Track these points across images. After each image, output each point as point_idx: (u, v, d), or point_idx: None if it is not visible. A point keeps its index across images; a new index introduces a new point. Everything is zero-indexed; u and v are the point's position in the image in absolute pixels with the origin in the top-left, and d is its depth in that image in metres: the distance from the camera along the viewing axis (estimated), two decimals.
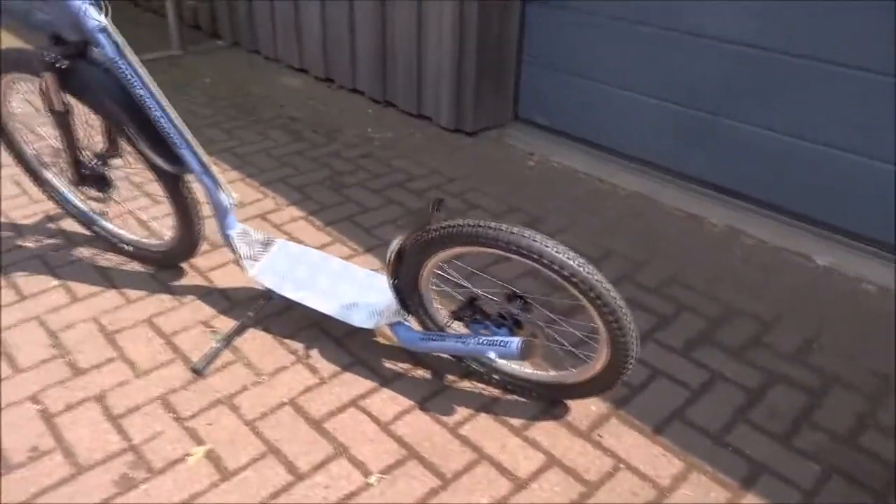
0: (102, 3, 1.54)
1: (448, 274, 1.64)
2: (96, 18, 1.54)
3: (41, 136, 2.26)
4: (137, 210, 2.41)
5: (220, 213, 1.80)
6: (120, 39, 1.57)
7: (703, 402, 1.72)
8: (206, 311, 1.98)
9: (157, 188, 2.43)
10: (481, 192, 2.66)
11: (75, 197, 2.19)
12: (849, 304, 2.09)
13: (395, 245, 1.54)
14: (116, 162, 2.00)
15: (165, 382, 1.73)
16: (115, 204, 2.18)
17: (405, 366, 1.80)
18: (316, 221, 2.44)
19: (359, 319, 1.73)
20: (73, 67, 1.64)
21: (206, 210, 1.93)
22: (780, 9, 2.25)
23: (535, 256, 1.35)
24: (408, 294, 1.63)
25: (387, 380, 1.76)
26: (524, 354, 1.47)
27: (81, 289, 2.05)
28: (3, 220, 2.38)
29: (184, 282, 2.09)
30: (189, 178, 1.85)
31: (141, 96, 1.60)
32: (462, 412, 1.67)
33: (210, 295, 2.04)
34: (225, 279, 2.11)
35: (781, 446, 1.60)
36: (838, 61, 2.18)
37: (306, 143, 3.02)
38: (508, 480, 1.50)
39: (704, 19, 2.43)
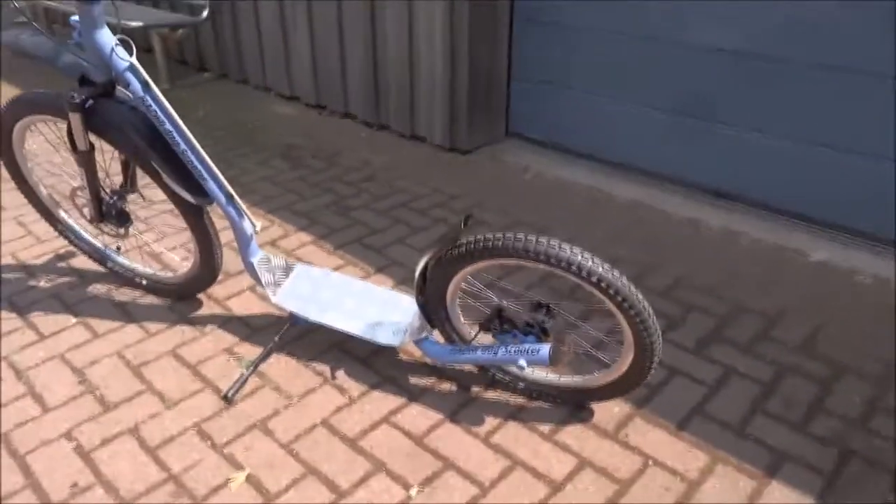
0: (130, 43, 1.59)
1: (473, 287, 1.70)
2: (125, 58, 1.59)
3: (57, 176, 2.29)
4: (153, 243, 2.44)
5: (243, 242, 1.85)
6: (147, 77, 1.62)
7: (720, 397, 1.79)
8: (228, 339, 2.01)
9: (169, 220, 2.50)
10: (484, 208, 2.73)
11: (89, 234, 2.22)
12: (847, 296, 2.18)
13: (422, 263, 1.59)
14: (131, 197, 2.04)
15: (197, 411, 1.76)
16: (133, 238, 2.20)
17: (430, 380, 1.85)
18: (326, 245, 2.49)
19: (385, 338, 1.78)
20: (98, 107, 1.69)
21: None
22: (766, 16, 2.36)
23: (563, 265, 1.41)
24: (434, 309, 1.69)
25: (414, 395, 1.80)
26: (554, 360, 1.52)
27: (101, 325, 2.07)
28: (12, 261, 2.39)
29: (202, 312, 2.12)
30: (209, 208, 1.90)
31: (168, 131, 1.65)
32: (491, 421, 1.72)
33: (230, 323, 2.07)
34: (242, 307, 2.14)
35: (799, 434, 1.67)
36: (825, 64, 2.29)
37: (307, 170, 3.07)
38: (545, 484, 1.55)
39: (692, 30, 2.54)
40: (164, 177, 1.72)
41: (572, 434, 1.68)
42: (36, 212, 2.27)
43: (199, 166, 1.70)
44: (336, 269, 2.34)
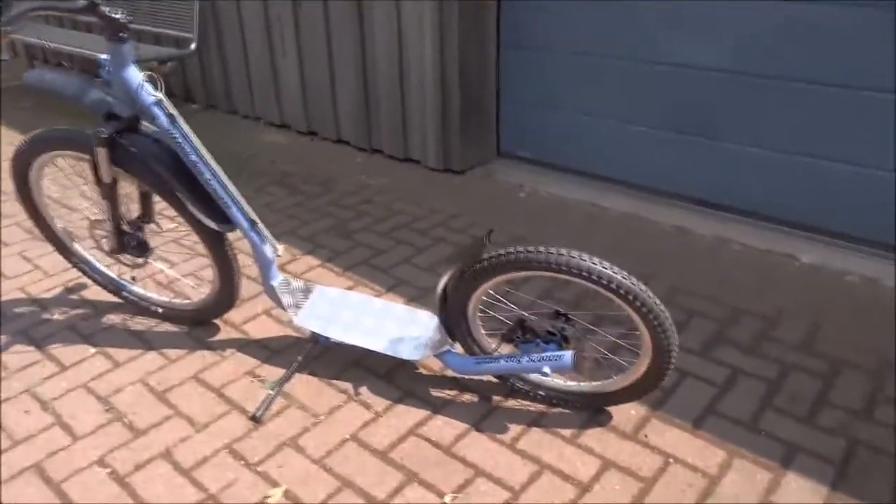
0: (157, 79, 1.65)
1: (496, 299, 1.77)
2: (153, 94, 1.65)
3: (74, 210, 2.31)
4: (167, 270, 2.47)
5: (264, 266, 1.90)
6: (174, 111, 1.68)
7: (730, 396, 1.88)
8: (249, 361, 2.04)
9: (180, 248, 2.53)
10: (483, 226, 2.81)
11: (103, 265, 2.25)
12: (838, 296, 2.30)
13: (445, 279, 1.66)
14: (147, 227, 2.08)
15: (227, 433, 1.79)
16: (146, 267, 2.24)
17: (452, 392, 1.91)
18: (334, 268, 2.54)
19: (407, 352, 1.84)
20: (123, 141, 1.74)
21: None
22: (750, 35, 2.50)
23: (584, 274, 1.49)
24: (455, 322, 1.75)
25: (438, 407, 1.86)
26: (577, 366, 1.59)
27: (121, 353, 2.09)
28: (23, 295, 2.40)
29: (221, 337, 2.16)
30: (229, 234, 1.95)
31: (193, 161, 1.70)
32: (515, 429, 1.78)
33: (249, 346, 2.11)
34: (260, 330, 2.18)
35: (808, 427, 1.76)
36: (817, 79, 2.44)
37: (304, 195, 3.13)
38: (573, 486, 1.61)
39: (679, 50, 2.67)
40: (189, 206, 1.77)
41: (594, 437, 1.75)
42: (50, 245, 2.28)
43: (224, 194, 1.76)
44: (347, 290, 2.39)
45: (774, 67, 2.48)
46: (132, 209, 2.03)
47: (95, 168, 1.78)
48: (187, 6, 3.77)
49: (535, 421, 1.81)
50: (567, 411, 1.83)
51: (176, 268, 2.50)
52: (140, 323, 2.23)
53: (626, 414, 1.82)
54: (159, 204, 2.03)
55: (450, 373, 1.96)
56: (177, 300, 2.23)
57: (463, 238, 2.73)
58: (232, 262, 1.94)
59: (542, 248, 1.53)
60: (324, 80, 3.60)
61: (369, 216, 2.93)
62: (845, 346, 2.04)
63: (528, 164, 3.31)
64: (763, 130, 2.59)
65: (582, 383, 1.80)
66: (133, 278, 2.24)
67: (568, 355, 1.60)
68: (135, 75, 1.64)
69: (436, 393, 1.91)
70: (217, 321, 2.22)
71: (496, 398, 1.88)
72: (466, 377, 1.93)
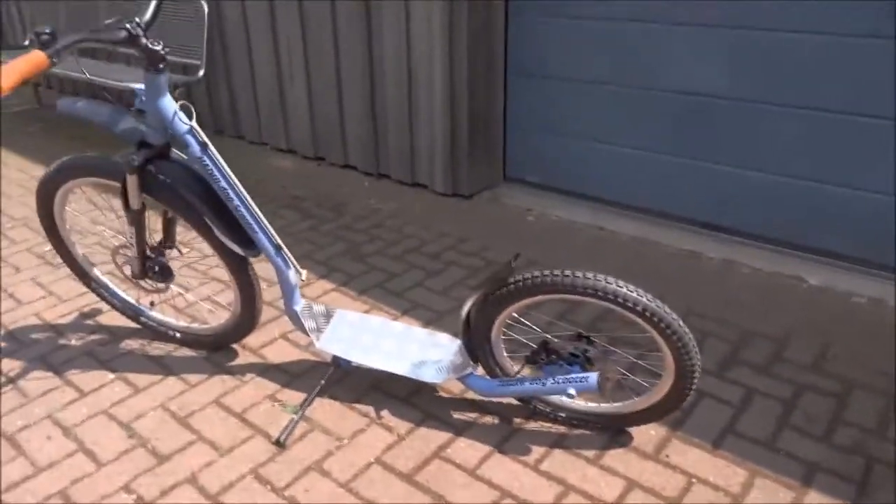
0: (190, 108, 1.68)
1: (516, 322, 1.80)
2: (186, 122, 1.68)
3: (95, 236, 2.33)
4: (189, 296, 2.48)
5: (288, 291, 1.92)
6: (205, 138, 1.72)
7: (747, 416, 1.90)
8: (270, 386, 2.06)
9: (195, 273, 2.55)
10: (494, 250, 2.85)
11: (123, 291, 2.26)
12: (846, 317, 2.34)
13: (470, 302, 1.69)
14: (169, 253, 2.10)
15: (251, 458, 1.80)
16: (169, 292, 2.25)
17: (473, 415, 1.93)
18: (349, 291, 2.56)
19: (430, 375, 1.86)
20: (154, 168, 1.77)
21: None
22: (755, 62, 2.57)
23: (610, 297, 1.53)
24: (478, 345, 1.78)
25: (460, 430, 1.88)
26: (602, 387, 1.62)
27: (140, 379, 2.10)
28: (38, 321, 2.41)
29: (240, 361, 2.17)
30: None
31: (223, 188, 1.73)
32: (538, 450, 1.80)
33: (268, 371, 2.12)
34: (278, 354, 2.20)
35: (825, 446, 1.79)
36: (814, 106, 2.50)
37: (316, 220, 3.16)
38: None
39: (685, 77, 2.74)
40: (216, 231, 1.80)
41: (616, 457, 1.77)
42: (70, 271, 2.30)
43: (251, 220, 1.79)
44: (365, 313, 2.42)
45: (778, 94, 2.55)
46: (154, 235, 2.06)
47: (125, 194, 1.80)
48: (196, 33, 3.82)
49: (557, 442, 1.83)
50: (588, 432, 1.85)
51: (195, 293, 2.52)
52: (158, 348, 2.24)
53: (647, 434, 1.84)
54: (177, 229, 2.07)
55: (469, 395, 1.98)
56: (195, 325, 2.24)
57: (475, 262, 2.76)
58: (255, 286, 1.96)
59: (568, 272, 1.56)
60: (332, 106, 3.65)
61: (381, 240, 2.96)
62: (855, 366, 2.08)
63: (534, 188, 3.36)
64: (767, 155, 2.65)
65: (602, 404, 1.83)
66: (152, 303, 2.25)
67: (594, 377, 1.63)
68: (170, 104, 1.68)
69: (457, 415, 1.93)
70: (235, 346, 2.23)
71: (517, 420, 1.90)
72: (486, 399, 1.95)
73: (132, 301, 2.26)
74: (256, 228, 1.80)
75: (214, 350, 2.21)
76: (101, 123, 1.77)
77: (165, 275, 2.01)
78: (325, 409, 1.96)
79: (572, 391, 1.64)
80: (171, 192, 1.80)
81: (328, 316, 2.02)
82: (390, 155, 3.52)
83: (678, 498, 1.65)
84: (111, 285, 2.27)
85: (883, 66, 2.31)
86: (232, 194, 1.75)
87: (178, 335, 2.21)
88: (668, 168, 2.91)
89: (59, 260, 2.79)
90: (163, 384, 2.08)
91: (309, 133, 3.85)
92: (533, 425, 1.89)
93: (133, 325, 2.33)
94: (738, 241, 2.79)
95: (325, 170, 3.80)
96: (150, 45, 1.59)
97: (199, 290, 2.55)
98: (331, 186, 3.56)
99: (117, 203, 1.93)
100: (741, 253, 2.73)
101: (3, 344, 2.28)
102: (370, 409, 1.95)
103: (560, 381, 1.66)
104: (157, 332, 2.25)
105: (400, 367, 1.89)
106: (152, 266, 1.98)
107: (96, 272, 2.26)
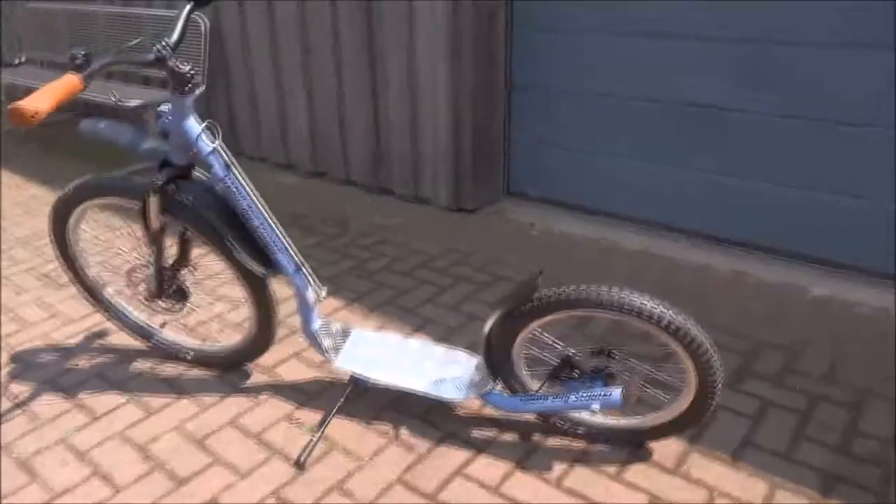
0: (215, 129, 1.68)
1: (543, 337, 1.80)
2: (210, 143, 1.68)
3: (113, 256, 2.32)
4: (201, 316, 2.47)
5: (306, 310, 1.91)
6: (230, 159, 1.72)
7: (764, 427, 1.92)
8: (285, 406, 2.04)
9: (205, 293, 2.54)
10: (500, 264, 2.86)
11: (133, 312, 2.25)
12: (853, 326, 2.37)
13: (492, 319, 1.70)
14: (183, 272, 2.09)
15: (271, 479, 1.79)
16: (187, 313, 2.24)
17: (492, 432, 1.92)
18: (359, 309, 2.56)
19: (450, 393, 1.86)
20: (176, 188, 1.77)
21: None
22: (759, 75, 2.61)
23: (636, 312, 1.54)
24: (499, 362, 1.78)
25: (480, 447, 1.87)
26: (625, 402, 1.63)
27: (153, 401, 2.08)
28: (44, 343, 2.38)
29: (253, 381, 2.16)
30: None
31: (245, 209, 1.73)
32: (559, 467, 1.80)
33: (283, 390, 2.11)
34: (292, 373, 2.19)
35: (843, 456, 1.81)
36: (817, 118, 2.54)
37: (321, 236, 3.16)
38: None
39: (687, 89, 2.77)
40: (236, 251, 1.79)
41: (638, 472, 1.78)
42: (83, 293, 2.28)
43: (273, 240, 1.78)
44: (375, 331, 2.41)
45: (782, 106, 2.58)
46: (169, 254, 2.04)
47: (145, 215, 1.80)
48: (195, 50, 3.82)
49: (578, 458, 1.83)
50: (608, 448, 1.86)
51: (207, 312, 2.50)
52: (169, 369, 2.22)
53: (667, 448, 1.85)
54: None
55: (486, 412, 1.98)
56: (207, 344, 2.23)
57: (483, 277, 2.77)
58: (272, 306, 1.96)
59: (592, 287, 1.57)
60: (333, 123, 3.66)
61: (387, 256, 2.96)
62: (866, 376, 2.10)
63: (536, 202, 3.38)
64: (771, 166, 2.69)
65: (622, 419, 1.84)
66: (163, 324, 2.23)
67: (617, 392, 1.63)
68: (195, 125, 1.68)
69: (475, 433, 1.92)
70: (248, 366, 2.22)
71: (536, 436, 1.90)
72: (504, 416, 1.95)
73: (143, 322, 2.24)
74: (278, 248, 1.80)
75: (227, 370, 2.20)
76: (124, 144, 1.76)
77: (181, 295, 2.00)
78: (343, 429, 1.95)
79: (596, 407, 1.65)
80: (192, 212, 1.80)
81: (345, 334, 2.02)
82: (393, 171, 3.53)
83: None
84: (122, 306, 2.25)
85: (884, 79, 2.36)
86: (254, 214, 1.75)
87: (189, 355, 2.19)
88: (671, 181, 2.94)
89: (62, 280, 2.78)
90: (176, 405, 2.06)
91: (309, 149, 3.85)
92: (552, 441, 1.89)
93: (142, 345, 2.31)
94: (744, 252, 2.82)
95: (327, 186, 3.80)
96: (178, 68, 1.59)
97: (210, 309, 2.53)
98: (333, 202, 3.55)
99: (128, 222, 1.92)
100: (747, 264, 2.76)
101: (11, 366, 2.26)
102: (388, 428, 1.95)
103: (583, 396, 1.67)
104: (169, 353, 2.23)
105: (419, 385, 1.89)
106: (169, 286, 1.97)
107: (107, 293, 2.24)
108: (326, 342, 1.96)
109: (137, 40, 1.57)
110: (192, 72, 1.61)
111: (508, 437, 1.91)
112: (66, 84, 1.38)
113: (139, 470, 1.82)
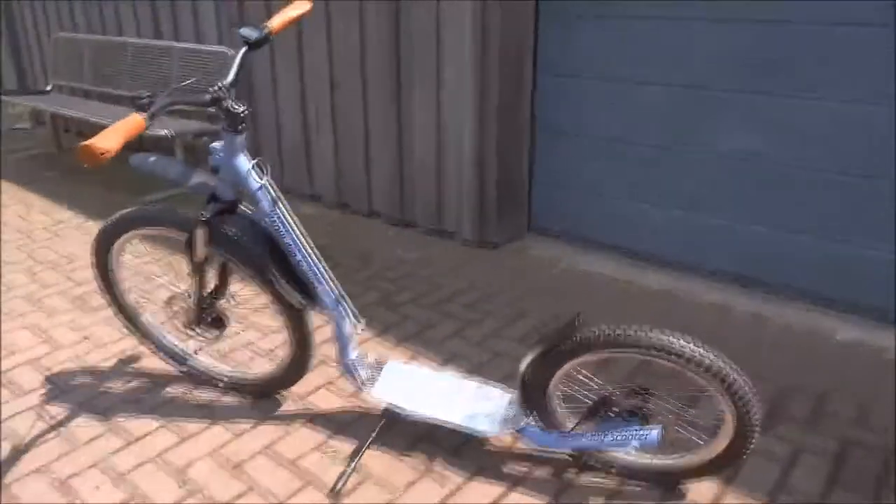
0: (264, 166, 1.74)
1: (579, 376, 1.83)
2: (258, 180, 1.74)
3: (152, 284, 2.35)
4: (235, 343, 2.49)
5: (343, 341, 1.94)
6: (277, 195, 1.77)
7: (797, 472, 1.92)
8: (318, 435, 2.06)
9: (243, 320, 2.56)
10: (526, 300, 2.89)
11: (169, 338, 2.28)
12: (880, 371, 2.38)
13: (529, 357, 1.73)
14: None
15: None
16: (223, 341, 2.27)
17: (524, 468, 1.93)
18: (386, 342, 2.58)
19: (484, 427, 1.87)
20: (222, 221, 1.82)
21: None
22: (774, 127, 2.68)
23: (674, 356, 1.57)
24: (535, 398, 1.80)
25: (513, 483, 1.88)
26: (663, 442, 1.65)
27: (188, 427, 2.09)
28: (78, 367, 2.41)
29: (286, 409, 2.17)
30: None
31: (288, 243, 1.78)
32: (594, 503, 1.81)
33: (316, 419, 2.13)
34: (324, 402, 2.20)
35: (877, 502, 1.82)
36: (835, 170, 2.60)
37: (345, 268, 3.19)
38: None
39: (709, 136, 2.84)
40: (278, 284, 1.83)
41: None
42: (116, 317, 2.32)
43: (314, 273, 1.83)
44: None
45: (800, 157, 2.64)
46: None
47: (191, 246, 1.84)
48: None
49: (612, 496, 1.83)
50: (641, 486, 1.86)
51: (241, 340, 2.53)
52: (202, 394, 2.24)
53: (701, 489, 1.85)
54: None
55: (519, 447, 1.99)
56: (241, 371, 2.25)
57: (509, 312, 2.79)
58: (310, 336, 1.99)
59: (632, 329, 1.60)
60: (359, 158, 3.73)
61: (412, 290, 2.99)
62: None
63: (560, 239, 3.43)
64: (791, 214, 2.73)
65: (655, 459, 1.85)
66: (197, 350, 2.26)
67: (656, 432, 1.65)
68: (245, 162, 1.74)
69: (509, 468, 1.93)
70: (282, 394, 2.24)
71: (569, 474, 1.91)
72: (537, 452, 1.96)
73: (179, 347, 2.27)
74: (319, 281, 1.83)
75: (260, 397, 2.21)
76: (173, 179, 1.82)
77: (219, 323, 2.03)
78: (377, 460, 1.96)
79: (635, 446, 1.66)
80: (236, 245, 1.84)
81: (380, 366, 2.04)
82: (416, 205, 3.58)
83: None
84: (159, 332, 2.28)
85: (887, 132, 2.43)
86: (296, 249, 1.79)
87: (223, 381, 2.22)
88: (693, 224, 2.99)
89: (94, 303, 2.82)
90: (210, 431, 2.07)
91: (334, 182, 3.91)
92: (585, 479, 1.89)
93: (174, 370, 2.33)
94: (766, 296, 2.85)
95: (349, 218, 3.85)
96: (233, 108, 1.65)
97: (242, 337, 2.56)
98: (356, 235, 3.60)
99: (170, 252, 1.96)
100: (769, 307, 2.78)
101: (46, 387, 2.28)
102: (422, 460, 1.96)
103: (621, 435, 1.69)
104: (202, 379, 2.25)
105: (453, 418, 1.90)
106: (207, 315, 2.00)
107: (145, 319, 2.28)
108: (362, 373, 1.98)
109: (191, 80, 1.63)
110: (245, 111, 1.67)
111: (541, 472, 1.92)
112: (132, 123, 1.43)
113: (176, 495, 1.83)
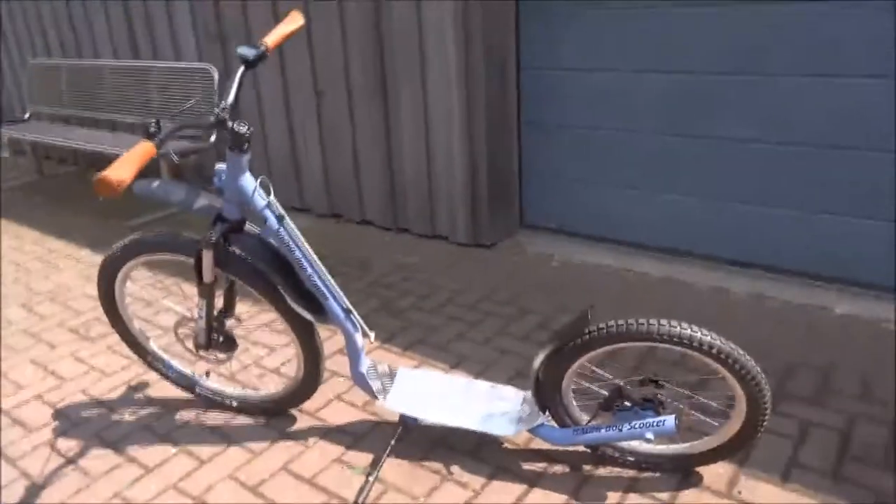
0: (268, 184, 1.74)
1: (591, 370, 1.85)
2: (264, 198, 1.74)
3: (158, 310, 2.35)
4: (243, 363, 2.50)
5: (354, 353, 1.95)
6: (282, 212, 1.78)
7: (807, 448, 1.96)
8: (334, 448, 2.07)
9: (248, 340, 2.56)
10: (525, 297, 2.91)
11: (178, 363, 2.28)
12: (880, 343, 2.43)
13: (542, 355, 1.75)
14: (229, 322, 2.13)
15: None
16: (232, 362, 2.27)
17: (542, 465, 1.96)
18: (393, 348, 2.60)
19: (500, 428, 1.89)
20: (229, 242, 1.82)
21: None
22: (773, 104, 2.71)
23: (686, 342, 1.59)
24: (549, 395, 1.82)
25: (532, 481, 1.90)
26: (678, 429, 1.67)
27: (203, 451, 2.10)
28: (86, 398, 2.40)
29: (300, 426, 2.18)
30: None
31: (297, 259, 1.79)
32: (613, 496, 1.83)
33: (331, 433, 2.14)
34: (337, 416, 2.21)
35: (890, 473, 1.85)
36: (830, 145, 2.64)
37: (344, 277, 3.20)
38: None
39: (703, 123, 2.87)
40: (289, 300, 1.84)
41: (690, 498, 1.81)
42: (127, 345, 2.31)
43: (323, 287, 1.83)
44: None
45: (797, 135, 2.68)
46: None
47: (198, 269, 1.84)
48: (206, 100, 3.89)
49: (630, 487, 1.86)
50: (658, 474, 1.89)
51: (248, 360, 2.53)
52: (214, 417, 2.24)
53: (715, 472, 1.89)
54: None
55: (534, 445, 2.01)
56: (252, 391, 2.26)
57: (510, 310, 2.82)
58: (320, 351, 2.00)
59: (643, 320, 1.63)
60: (348, 168, 3.73)
61: (413, 294, 3.01)
62: None
63: (553, 233, 3.45)
64: (787, 191, 2.77)
65: (670, 446, 1.88)
66: (207, 373, 2.26)
67: (671, 420, 1.68)
68: (250, 182, 1.74)
69: (526, 467, 1.95)
70: (292, 412, 2.24)
71: (586, 467, 1.94)
72: (553, 449, 1.99)
73: (188, 372, 2.27)
74: (328, 295, 1.84)
75: (273, 416, 2.22)
76: (178, 203, 1.82)
77: (230, 344, 2.04)
78: (395, 469, 1.97)
79: (651, 435, 1.69)
80: (245, 264, 1.85)
81: (392, 375, 2.06)
82: (409, 209, 3.59)
83: None
84: (167, 358, 2.28)
85: (886, 104, 2.47)
86: (306, 264, 1.80)
87: (234, 403, 2.22)
88: (688, 209, 3.02)
89: (94, 333, 2.81)
90: (226, 454, 2.08)
91: (324, 192, 3.91)
92: (602, 471, 1.92)
93: (184, 395, 2.33)
94: (764, 276, 2.89)
95: (343, 227, 3.85)
96: (236, 128, 1.66)
97: (249, 356, 2.56)
98: (351, 243, 3.61)
99: (174, 278, 1.96)
100: (768, 287, 2.83)
101: (56, 423, 2.27)
102: (440, 466, 1.97)
103: (637, 426, 1.71)
104: (213, 402, 2.26)
105: (469, 422, 1.92)
106: (217, 337, 2.01)
107: (152, 346, 2.28)
108: (375, 383, 2.00)
109: (190, 103, 1.63)
110: (248, 132, 1.68)
111: (559, 469, 1.94)
112: (143, 151, 1.44)
113: None
